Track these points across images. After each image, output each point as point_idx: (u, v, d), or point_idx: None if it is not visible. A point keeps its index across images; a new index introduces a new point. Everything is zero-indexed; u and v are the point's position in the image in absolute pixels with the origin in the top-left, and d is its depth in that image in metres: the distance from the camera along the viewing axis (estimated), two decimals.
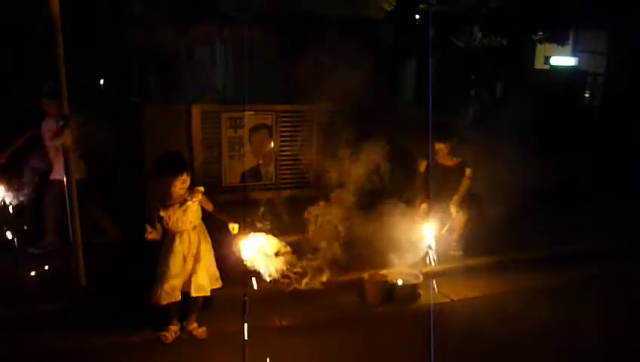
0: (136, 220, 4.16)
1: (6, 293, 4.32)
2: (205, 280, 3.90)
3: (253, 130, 6.79)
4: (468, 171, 5.48)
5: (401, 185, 5.69)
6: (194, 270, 3.86)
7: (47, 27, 4.18)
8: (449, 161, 5.53)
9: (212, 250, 4.01)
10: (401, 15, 10.47)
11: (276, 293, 4.35)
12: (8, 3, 6.91)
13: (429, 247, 4.80)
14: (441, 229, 5.32)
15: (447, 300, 4.87)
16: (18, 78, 6.62)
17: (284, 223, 5.39)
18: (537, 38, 9.52)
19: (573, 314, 4.49)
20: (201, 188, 3.93)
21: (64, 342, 3.89)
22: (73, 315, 4.17)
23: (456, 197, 5.45)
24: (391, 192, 5.49)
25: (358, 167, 5.36)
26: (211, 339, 4.00)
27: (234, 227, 3.83)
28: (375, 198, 5.43)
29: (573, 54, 13.26)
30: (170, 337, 3.92)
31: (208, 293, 3.93)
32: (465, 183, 5.47)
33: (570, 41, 12.98)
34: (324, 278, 4.59)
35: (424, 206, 5.49)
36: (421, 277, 4.89)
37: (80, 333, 3.96)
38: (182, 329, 4.01)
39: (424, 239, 4.85)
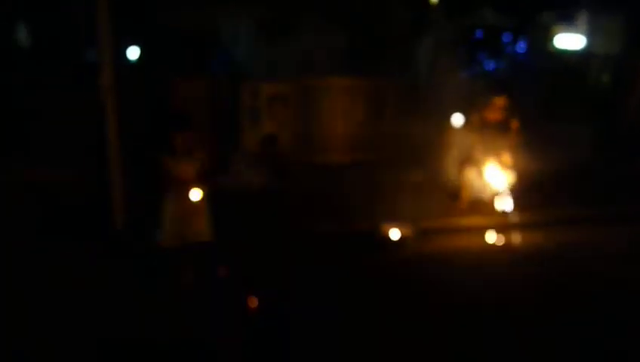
0: None
1: None
2: (205, 227, 4.23)
3: None
4: (516, 123, 6.10)
5: None
6: (192, 218, 4.16)
7: None
8: (497, 116, 6.10)
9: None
10: None
11: None
12: None
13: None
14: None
15: None
16: None
17: None
18: (547, 19, 9.90)
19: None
20: (202, 154, 4.24)
21: None
22: None
23: (507, 145, 6.08)
24: None
25: None
26: None
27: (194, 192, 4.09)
28: None
29: (588, 36, 13.53)
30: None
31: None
32: (515, 133, 6.10)
33: (584, 23, 13.26)
34: None
35: (479, 154, 6.14)
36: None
37: None
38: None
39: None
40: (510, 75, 9.75)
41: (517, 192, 6.15)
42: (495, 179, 6.05)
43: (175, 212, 4.15)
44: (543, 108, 8.41)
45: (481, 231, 5.84)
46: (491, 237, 5.74)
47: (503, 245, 5.62)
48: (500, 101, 6.06)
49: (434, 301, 4.32)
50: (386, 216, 5.67)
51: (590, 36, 13.33)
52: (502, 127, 6.11)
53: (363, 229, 5.52)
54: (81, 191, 5.58)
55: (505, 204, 6.13)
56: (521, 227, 5.87)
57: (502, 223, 5.94)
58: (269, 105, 7.39)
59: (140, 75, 8.09)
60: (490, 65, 9.62)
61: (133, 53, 9.88)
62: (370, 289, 4.56)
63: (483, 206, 6.28)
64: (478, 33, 9.75)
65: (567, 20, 9.98)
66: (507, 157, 6.08)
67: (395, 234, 5.41)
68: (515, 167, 6.10)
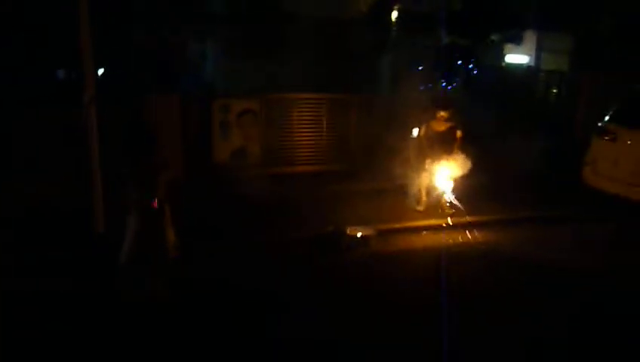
0: None
1: None
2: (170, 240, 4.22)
3: None
4: (459, 133, 6.79)
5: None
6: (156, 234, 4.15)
7: None
8: (442, 127, 6.78)
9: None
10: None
11: None
12: None
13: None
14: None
15: None
16: None
17: None
18: (495, 38, 10.76)
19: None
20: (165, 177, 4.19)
21: None
22: None
23: (452, 152, 6.72)
24: None
25: None
26: None
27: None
28: None
29: (536, 54, 14.59)
30: None
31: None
32: (458, 141, 6.79)
33: (531, 42, 14.32)
34: None
35: (429, 160, 6.78)
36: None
37: None
38: None
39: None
40: (463, 89, 10.50)
41: (463, 194, 6.80)
42: (442, 182, 6.71)
43: (138, 230, 4.08)
44: (496, 121, 9.10)
45: (432, 230, 6.46)
46: (440, 235, 6.35)
47: (452, 242, 6.21)
48: (443, 114, 6.74)
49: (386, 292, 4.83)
50: (350, 219, 6.18)
51: (538, 54, 14.42)
52: (447, 137, 6.75)
53: (327, 232, 5.99)
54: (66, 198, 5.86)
55: (452, 204, 6.78)
56: (467, 226, 6.49)
57: (451, 223, 6.55)
58: (238, 120, 7.83)
59: (115, 92, 8.41)
60: (447, 79, 10.37)
61: (101, 71, 10.19)
62: (328, 282, 5.04)
63: (438, 208, 6.88)
64: (436, 51, 10.50)
65: (515, 40, 10.84)
66: (452, 163, 6.70)
67: (356, 235, 5.92)
68: (459, 171, 6.72)
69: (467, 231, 6.49)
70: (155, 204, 4.09)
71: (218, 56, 12.61)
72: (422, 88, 9.10)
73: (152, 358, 3.78)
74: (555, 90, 10.93)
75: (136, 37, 11.93)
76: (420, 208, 7.00)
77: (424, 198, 7.01)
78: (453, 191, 6.88)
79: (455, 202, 6.84)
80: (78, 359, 3.76)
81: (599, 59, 12.35)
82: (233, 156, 7.88)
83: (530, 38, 13.65)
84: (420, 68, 7.95)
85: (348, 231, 5.93)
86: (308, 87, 9.06)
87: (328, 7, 11.02)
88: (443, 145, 6.76)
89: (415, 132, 7.07)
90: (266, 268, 5.24)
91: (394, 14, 12.34)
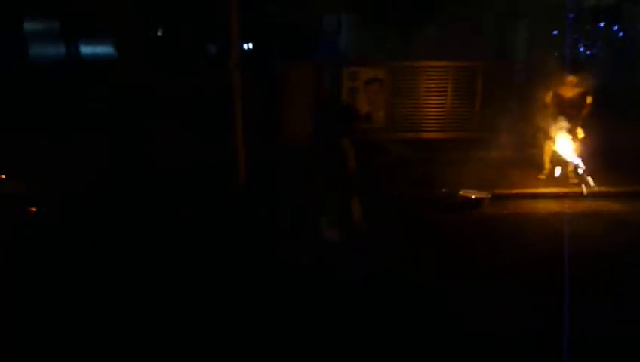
0: None
1: None
2: None
3: None
4: (589, 99, 6.60)
5: None
6: None
7: None
8: (571, 92, 6.62)
9: None
10: None
11: None
12: None
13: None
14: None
15: None
16: None
17: None
18: None
19: None
20: None
21: None
22: None
23: (581, 119, 6.60)
24: None
25: None
26: None
27: None
28: None
29: None
30: None
31: None
32: (587, 108, 6.61)
33: None
34: None
35: (555, 127, 6.70)
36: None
37: None
38: None
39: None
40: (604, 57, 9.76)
41: (590, 164, 6.58)
42: (568, 151, 6.56)
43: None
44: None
45: (550, 197, 6.43)
46: (557, 203, 6.30)
47: (568, 210, 6.12)
48: (571, 79, 6.53)
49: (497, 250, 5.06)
50: (467, 184, 6.40)
51: None
52: (576, 103, 6.55)
53: (441, 193, 6.31)
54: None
55: (577, 174, 6.61)
56: (589, 196, 6.33)
57: (571, 192, 6.43)
58: (365, 87, 8.33)
59: (255, 62, 9.41)
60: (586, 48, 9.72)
61: (250, 45, 11.34)
62: (437, 235, 5.39)
63: (562, 177, 6.76)
64: (572, 16, 9.87)
65: None
66: (580, 131, 6.51)
67: (469, 196, 6.17)
68: (587, 140, 6.52)
69: (588, 201, 6.34)
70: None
71: (351, 26, 13.13)
72: (556, 54, 8.70)
73: None
74: None
75: (277, 13, 12.91)
76: (543, 176, 6.93)
77: (548, 166, 6.92)
78: (581, 160, 6.70)
79: (580, 171, 6.67)
80: None
81: None
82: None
83: None
84: (556, 33, 7.61)
85: (461, 193, 6.19)
86: (437, 55, 9.13)
87: None
88: (572, 111, 6.59)
89: (543, 99, 6.97)
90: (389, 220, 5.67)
91: None
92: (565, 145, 6.64)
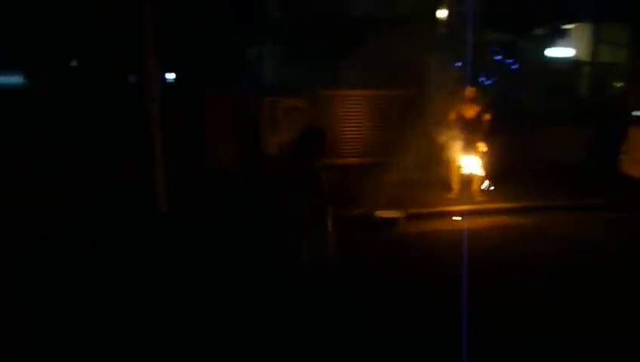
0: None
1: None
2: None
3: None
4: (487, 116, 7.14)
5: None
6: None
7: None
8: (472, 112, 7.14)
9: None
10: None
11: None
12: None
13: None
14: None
15: None
16: None
17: None
18: (540, 33, 10.91)
19: None
20: None
21: None
22: None
23: (482, 137, 7.12)
24: None
25: None
26: None
27: None
28: None
29: (592, 46, 14.35)
30: None
31: None
32: (487, 124, 7.13)
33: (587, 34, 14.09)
34: None
35: (460, 147, 7.23)
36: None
37: None
38: None
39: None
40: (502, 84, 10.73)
41: (497, 182, 7.18)
42: (474, 169, 7.12)
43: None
44: (538, 113, 9.32)
45: (460, 215, 6.91)
46: (466, 220, 6.80)
47: (475, 226, 6.64)
48: (470, 92, 7.12)
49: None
50: (383, 205, 6.76)
51: (594, 46, 14.17)
52: (476, 122, 7.13)
53: (358, 213, 6.63)
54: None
55: (484, 192, 7.18)
56: (495, 212, 6.89)
57: (478, 209, 6.97)
58: (285, 115, 8.60)
59: (179, 91, 9.46)
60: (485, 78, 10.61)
61: (171, 75, 11.36)
62: (361, 254, 5.66)
63: (470, 195, 7.30)
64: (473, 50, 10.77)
65: (560, 34, 10.93)
66: (483, 149, 7.08)
67: (384, 217, 6.52)
68: (489, 158, 7.09)
69: (494, 216, 6.89)
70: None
71: (274, 57, 13.50)
72: (458, 85, 9.47)
73: None
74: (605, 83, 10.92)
75: (200, 43, 13.04)
76: (452, 195, 7.45)
77: (455, 186, 7.45)
78: (486, 178, 7.28)
79: (487, 189, 7.24)
80: None
81: None
82: (280, 149, 8.66)
83: (582, 30, 13.51)
84: (459, 65, 8.28)
85: (377, 214, 6.53)
86: (353, 86, 9.63)
87: (376, 6, 11.53)
88: (473, 129, 7.12)
89: (448, 118, 7.44)
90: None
91: (441, 13, 12.65)
92: (470, 163, 7.18)
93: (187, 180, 7.55)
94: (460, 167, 7.32)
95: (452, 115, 7.32)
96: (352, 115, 8.91)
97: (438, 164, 7.90)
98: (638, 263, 5.42)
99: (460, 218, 6.88)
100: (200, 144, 8.09)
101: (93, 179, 6.79)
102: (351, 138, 8.92)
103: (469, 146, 7.14)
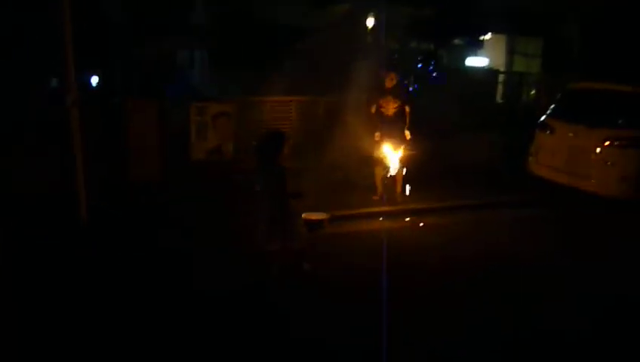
0: None
1: None
2: None
3: None
4: (408, 108, 7.32)
5: None
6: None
7: None
8: (391, 107, 7.26)
9: None
10: None
11: None
12: None
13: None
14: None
15: None
16: None
17: None
18: (459, 42, 11.58)
19: None
20: None
21: None
22: None
23: (405, 126, 7.30)
24: None
25: None
26: None
27: None
28: None
29: (507, 57, 15.39)
30: None
31: None
32: (408, 118, 7.31)
33: (502, 45, 15.10)
34: None
35: (378, 134, 7.39)
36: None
37: None
38: None
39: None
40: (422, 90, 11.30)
41: (418, 183, 7.54)
42: (396, 170, 7.42)
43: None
44: (452, 118, 9.91)
45: (384, 216, 7.24)
46: (388, 221, 7.14)
47: (396, 226, 6.96)
48: (389, 80, 7.25)
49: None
50: (311, 207, 6.93)
51: (508, 57, 15.21)
52: (397, 118, 7.34)
53: None
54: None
55: (404, 193, 7.53)
56: (415, 212, 7.25)
57: (401, 210, 7.32)
58: (213, 121, 8.62)
59: (100, 97, 9.23)
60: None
61: (95, 79, 11.05)
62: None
63: (392, 196, 7.62)
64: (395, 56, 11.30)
65: (477, 44, 11.66)
66: (404, 148, 7.36)
67: (311, 218, 6.68)
68: (409, 157, 7.42)
69: (414, 217, 7.24)
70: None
71: (202, 64, 13.45)
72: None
73: None
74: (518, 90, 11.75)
75: (126, 48, 12.80)
76: (377, 197, 7.74)
77: (379, 187, 7.74)
78: (408, 180, 7.61)
79: (407, 190, 7.59)
80: None
81: (566, 61, 13.16)
82: (209, 154, 8.66)
83: (498, 41, 14.46)
84: (385, 71, 8.64)
85: (303, 216, 6.68)
86: (282, 92, 9.81)
87: (302, 16, 11.81)
88: (393, 126, 7.32)
89: (368, 110, 7.61)
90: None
91: (369, 22, 13.08)
92: (393, 163, 7.42)
93: (110, 188, 7.41)
94: (383, 168, 7.58)
95: (372, 109, 7.44)
96: (279, 119, 9.05)
97: (365, 165, 8.19)
98: (549, 261, 5.89)
99: (381, 219, 7.18)
100: (124, 152, 7.94)
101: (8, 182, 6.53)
102: None
103: (392, 142, 7.34)
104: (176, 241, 6.05)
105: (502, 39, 15.20)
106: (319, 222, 6.74)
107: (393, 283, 4.88)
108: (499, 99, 11.70)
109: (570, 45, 13.56)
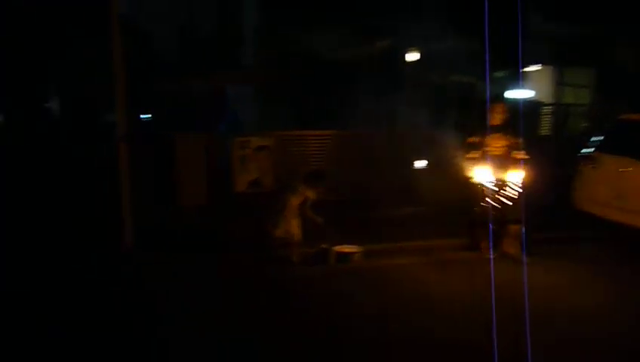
0: None
1: None
2: None
3: None
4: (521, 154, 6.32)
5: None
6: None
7: None
8: (500, 142, 6.41)
9: None
10: None
11: None
12: None
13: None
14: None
15: None
16: None
17: None
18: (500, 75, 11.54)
19: None
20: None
21: None
22: None
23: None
24: None
25: None
26: None
27: None
28: None
29: (555, 88, 15.11)
30: None
31: None
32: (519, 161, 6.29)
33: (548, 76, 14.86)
34: None
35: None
36: None
37: None
38: None
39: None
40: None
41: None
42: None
43: None
44: None
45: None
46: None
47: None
48: (498, 109, 6.67)
49: None
50: (347, 240, 7.04)
51: (558, 88, 14.91)
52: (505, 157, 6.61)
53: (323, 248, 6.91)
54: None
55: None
56: None
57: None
58: (255, 154, 8.97)
59: (152, 131, 9.82)
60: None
61: (146, 114, 11.77)
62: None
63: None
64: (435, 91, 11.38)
65: (517, 77, 11.56)
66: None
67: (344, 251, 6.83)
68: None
69: None
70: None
71: (249, 100, 14.06)
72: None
73: None
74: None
75: (177, 86, 13.56)
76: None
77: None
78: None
79: None
80: None
81: (619, 89, 12.74)
82: (250, 186, 8.98)
83: (543, 72, 14.27)
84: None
85: (335, 248, 6.83)
86: (321, 126, 10.04)
87: (344, 51, 12.14)
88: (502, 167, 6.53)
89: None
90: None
91: (410, 56, 13.25)
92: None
93: (158, 219, 7.81)
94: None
95: (472, 139, 6.66)
96: (318, 153, 9.27)
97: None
98: None
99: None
100: (173, 184, 8.40)
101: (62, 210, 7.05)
102: None
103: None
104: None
105: (548, 70, 14.99)
106: (348, 255, 6.85)
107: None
108: (544, 131, 11.45)
109: (624, 71, 13.17)
